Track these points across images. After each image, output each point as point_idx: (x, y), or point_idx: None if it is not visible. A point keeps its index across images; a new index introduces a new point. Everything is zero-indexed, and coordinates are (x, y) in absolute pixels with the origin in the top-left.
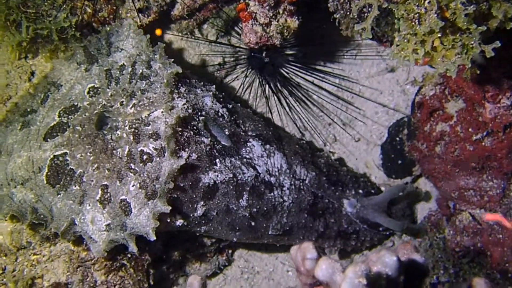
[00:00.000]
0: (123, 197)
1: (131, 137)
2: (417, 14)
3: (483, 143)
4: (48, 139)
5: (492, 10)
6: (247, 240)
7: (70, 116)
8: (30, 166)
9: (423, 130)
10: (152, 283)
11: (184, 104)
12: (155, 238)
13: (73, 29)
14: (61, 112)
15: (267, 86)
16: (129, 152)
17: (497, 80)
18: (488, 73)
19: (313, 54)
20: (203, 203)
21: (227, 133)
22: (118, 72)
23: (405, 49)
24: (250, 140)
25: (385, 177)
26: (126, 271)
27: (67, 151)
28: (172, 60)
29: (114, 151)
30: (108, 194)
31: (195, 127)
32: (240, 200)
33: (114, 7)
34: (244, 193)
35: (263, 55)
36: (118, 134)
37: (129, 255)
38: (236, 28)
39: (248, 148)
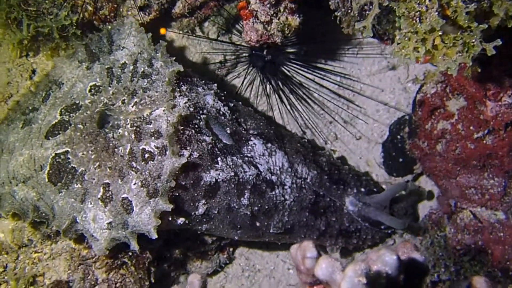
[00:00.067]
0: (124, 195)
1: (133, 136)
2: (418, 12)
3: (484, 141)
4: (50, 137)
5: (493, 8)
6: (249, 239)
7: (71, 114)
8: (31, 164)
9: (424, 128)
10: (153, 281)
11: (185, 103)
12: (156, 236)
13: (74, 27)
14: (62, 110)
15: (268, 84)
16: (131, 150)
17: (498, 78)
18: (490, 71)
19: (314, 52)
20: (204, 201)
21: (228, 131)
22: (119, 70)
23: (406, 47)
24: (252, 138)
25: (386, 175)
26: (127, 269)
27: (69, 149)
28: (174, 58)
29: (115, 150)
30: (110, 192)
31: (196, 126)
32: (242, 199)
33: (115, 5)
34: (246, 191)
35: (264, 53)
36: (119, 133)
37: (130, 253)
38: (237, 26)
39: (249, 147)
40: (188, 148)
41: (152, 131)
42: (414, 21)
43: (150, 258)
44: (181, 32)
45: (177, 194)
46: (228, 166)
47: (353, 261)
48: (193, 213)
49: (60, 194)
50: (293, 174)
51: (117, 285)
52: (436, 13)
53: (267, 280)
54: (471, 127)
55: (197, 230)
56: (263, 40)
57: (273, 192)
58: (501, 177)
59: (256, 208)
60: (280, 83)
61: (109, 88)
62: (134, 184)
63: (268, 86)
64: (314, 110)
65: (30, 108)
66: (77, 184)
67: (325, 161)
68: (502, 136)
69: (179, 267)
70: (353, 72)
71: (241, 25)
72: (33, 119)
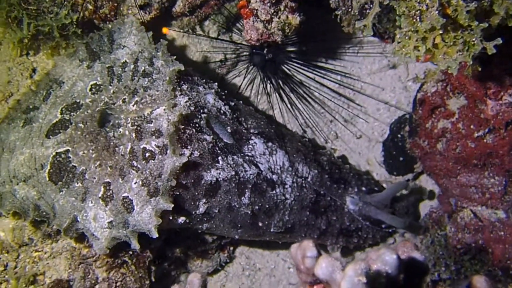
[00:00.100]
0: (125, 194)
1: (134, 135)
2: (419, 11)
3: (485, 140)
4: (51, 136)
5: (494, 7)
6: (249, 238)
7: (72, 113)
8: (32, 163)
9: (425, 127)
10: (153, 280)
11: (186, 102)
12: (157, 235)
13: (75, 26)
14: (63, 109)
15: (268, 83)
16: (132, 149)
17: (499, 77)
18: (490, 70)
19: (315, 51)
20: (205, 200)
21: (229, 130)
22: (120, 69)
23: (406, 46)
24: (252, 137)
25: (387, 174)
26: (127, 268)
27: (70, 148)
28: (175, 57)
29: (116, 149)
30: (111, 191)
31: (197, 125)
32: (242, 198)
33: (115, 4)
34: (246, 190)
35: (265, 51)
36: (120, 132)
37: (130, 252)
38: (237, 24)
39: (250, 146)
40: (189, 147)
41: (153, 130)
42: (414, 20)
43: (150, 257)
44: (181, 31)
45: (178, 193)
46: (228, 165)
47: (353, 260)
48: (193, 212)
49: (61, 193)
50: (293, 173)
51: (118, 284)
52: (437, 12)
53: (268, 279)
54: (472, 126)
55: (198, 229)
56: (263, 39)
57: (274, 191)
58: (501, 176)
59: (257, 207)
60: (280, 82)
61: (110, 87)
62: (135, 183)
63: (268, 85)
64: (315, 109)
65: (31, 107)
66: (77, 183)
67: (326, 160)
68: (502, 135)
69: (180, 266)
70: (353, 71)
71: (241, 24)
72: (34, 118)
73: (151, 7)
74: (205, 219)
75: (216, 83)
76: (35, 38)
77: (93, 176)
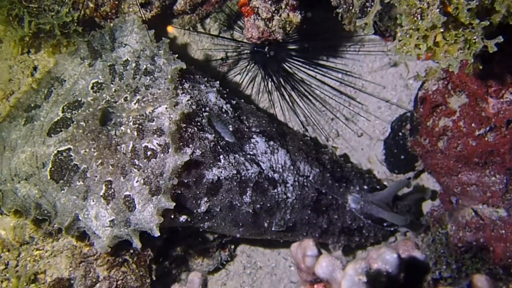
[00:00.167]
0: (127, 193)
1: (135, 133)
2: (419, 9)
3: (486, 138)
4: (52, 135)
5: (495, 5)
6: (250, 236)
7: (74, 112)
8: (34, 161)
9: (426, 125)
10: (154, 278)
11: (188, 100)
12: (159, 234)
13: (75, 24)
14: (64, 107)
15: (269, 81)
16: (133, 148)
17: (500, 75)
18: (491, 68)
19: (316, 49)
20: (206, 199)
21: (231, 129)
22: (122, 67)
23: (407, 44)
24: (254, 136)
25: (388, 172)
26: (128, 267)
27: (71, 147)
28: (177, 56)
29: (118, 147)
30: (112, 190)
31: (199, 123)
32: (244, 197)
33: (117, 2)
34: (248, 189)
35: (266, 49)
36: (122, 130)
37: (131, 251)
38: (239, 22)
39: (251, 145)
40: (191, 145)
41: (154, 128)
42: (415, 18)
43: (151, 255)
44: (186, 28)
45: (179, 191)
46: (230, 164)
47: (354, 259)
48: (195, 211)
49: (62, 191)
50: (295, 172)
51: (119, 282)
52: (438, 10)
53: (269, 277)
54: (473, 124)
55: (199, 228)
56: (264, 37)
57: (275, 190)
58: (502, 174)
59: (258, 206)
60: (281, 80)
61: (112, 85)
62: (137, 181)
63: (269, 83)
64: (316, 107)
65: (32, 105)
66: (79, 182)
67: (328, 159)
68: (503, 133)
69: (181, 264)
70: (354, 69)
71: (243, 22)
72: (35, 116)
73: (152, 5)
74: (207, 217)
75: (218, 82)
76: (36, 36)
77: (94, 175)
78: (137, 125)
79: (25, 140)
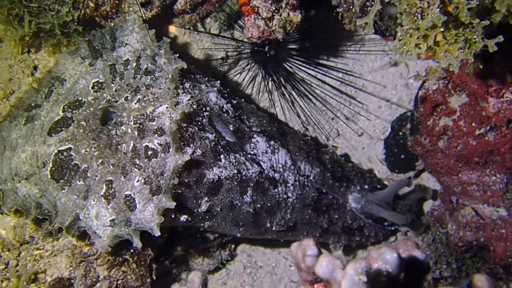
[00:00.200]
0: (127, 192)
1: (136, 133)
2: (420, 9)
3: (486, 138)
4: (53, 134)
5: (495, 4)
6: (251, 236)
7: (74, 111)
8: (34, 161)
9: (426, 125)
10: (154, 278)
11: (189, 100)
12: (159, 233)
13: (76, 24)
14: (65, 107)
15: (270, 80)
16: (134, 147)
17: (500, 74)
18: (491, 67)
19: (317, 48)
20: (207, 198)
21: (231, 129)
22: (122, 67)
23: (407, 43)
24: (255, 136)
25: (388, 172)
26: (128, 266)
27: (72, 146)
28: (177, 55)
29: (118, 147)
30: (113, 190)
31: (199, 123)
32: (244, 196)
33: (117, 1)
34: (248, 189)
35: (266, 49)
36: (122, 130)
37: (131, 250)
38: (239, 21)
39: (252, 144)
40: (191, 145)
41: (155, 128)
42: (415, 18)
43: (151, 255)
44: (188, 28)
45: (180, 191)
46: (231, 164)
47: (354, 259)
48: (195, 211)
49: (63, 191)
50: (296, 172)
51: (119, 282)
52: (438, 9)
53: (269, 277)
54: (473, 124)
55: (200, 227)
56: (264, 36)
57: (276, 190)
58: (503, 173)
59: (259, 205)
60: (282, 80)
61: (112, 85)
62: (137, 181)
63: (270, 83)
64: (316, 107)
65: (33, 104)
66: (80, 181)
67: (328, 158)
68: (504, 132)
69: (181, 264)
70: (355, 68)
71: (243, 21)
72: (36, 116)
73: (152, 5)
74: (207, 217)
75: (219, 81)
76: (37, 36)
77: (95, 174)
78: (137, 125)
79: (25, 139)
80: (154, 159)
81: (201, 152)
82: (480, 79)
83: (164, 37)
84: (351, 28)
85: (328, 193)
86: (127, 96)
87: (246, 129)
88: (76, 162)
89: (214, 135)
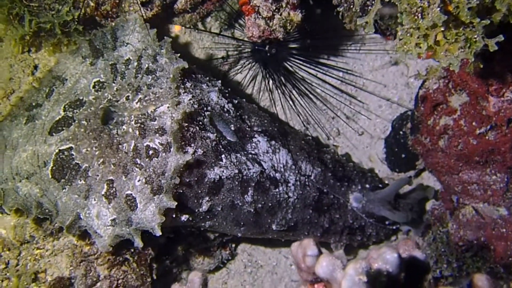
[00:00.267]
0: (128, 192)
1: (137, 132)
2: (420, 8)
3: (487, 137)
4: (54, 133)
5: (496, 4)
6: (252, 236)
7: (75, 111)
8: (35, 160)
9: (427, 124)
10: (155, 277)
11: (190, 100)
12: (160, 233)
13: (76, 23)
14: (66, 106)
15: (270, 79)
16: (135, 147)
17: (501, 73)
18: (492, 66)
19: (317, 48)
20: (208, 198)
21: (232, 128)
22: (123, 66)
23: (407, 43)
24: (256, 135)
25: (389, 171)
26: (129, 266)
27: (73, 146)
28: (179, 55)
29: (119, 146)
30: (114, 189)
31: (201, 123)
32: (245, 196)
33: (117, 1)
34: (249, 188)
35: (267, 48)
36: (124, 129)
37: (132, 250)
38: (240, 21)
39: (253, 144)
40: (193, 145)
41: (156, 127)
42: (416, 17)
43: (152, 254)
44: (185, 26)
45: (181, 191)
46: (232, 163)
47: (354, 259)
48: (196, 210)
49: (64, 190)
50: (297, 172)
51: (119, 281)
52: (438, 8)
53: (270, 276)
54: (474, 123)
55: (200, 227)
56: (265, 36)
57: (277, 190)
58: (503, 173)
59: (260, 205)
60: (282, 79)
61: (113, 84)
62: (138, 180)
63: (270, 82)
64: (317, 106)
65: (34, 104)
66: (80, 181)
67: (330, 158)
68: (504, 131)
69: (182, 263)
70: (355, 67)
71: (243, 21)
72: (37, 115)
73: (152, 4)
74: (208, 217)
75: (220, 81)
76: (37, 35)
77: (96, 174)
78: (139, 124)
79: (26, 139)
80: (155, 158)
81: (202, 151)
82: (481, 79)
83: (165, 37)
84: (352, 27)
85: (329, 193)
86: (128, 96)
87: (247, 128)
88: (77, 162)
89: (215, 134)
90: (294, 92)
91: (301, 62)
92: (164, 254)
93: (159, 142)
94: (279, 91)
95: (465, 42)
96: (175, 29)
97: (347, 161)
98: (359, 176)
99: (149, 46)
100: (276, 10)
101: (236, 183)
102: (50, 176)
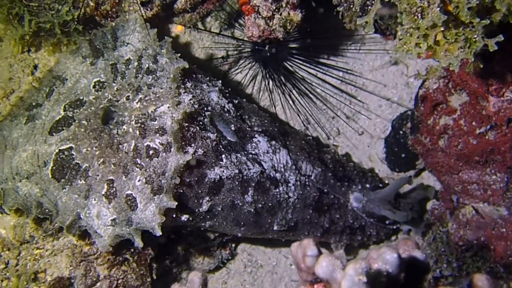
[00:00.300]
0: (129, 192)
1: (137, 132)
2: (420, 8)
3: (487, 137)
4: (54, 133)
5: (495, 4)
6: (252, 236)
7: (75, 110)
8: (35, 160)
9: (427, 124)
10: (155, 277)
11: (190, 100)
12: (160, 233)
13: (76, 23)
14: (66, 106)
15: (270, 79)
16: (135, 147)
17: (500, 73)
18: (492, 66)
19: (317, 47)
20: (208, 198)
21: (233, 128)
22: (124, 66)
23: (407, 43)
24: (256, 135)
25: (389, 171)
26: (129, 266)
27: (73, 145)
28: (179, 55)
29: (120, 146)
30: (114, 189)
31: (201, 123)
32: (246, 196)
33: (117, 0)
34: (250, 189)
35: (267, 48)
36: (124, 129)
37: (132, 250)
38: (240, 20)
39: (253, 144)
40: (193, 145)
41: (156, 127)
42: (416, 17)
43: (152, 254)
44: (185, 26)
45: (181, 191)
46: (232, 163)
47: (354, 259)
48: (197, 210)
49: (64, 190)
50: (297, 172)
51: (119, 281)
52: (438, 8)
53: (270, 276)
54: (474, 123)
55: (201, 227)
56: (265, 35)
57: (277, 190)
58: (503, 172)
59: (260, 205)
60: (282, 79)
61: (114, 84)
62: (139, 180)
63: (270, 82)
64: (317, 106)
65: (34, 104)
66: (81, 180)
67: (330, 158)
68: (504, 131)
69: (182, 263)
70: (355, 67)
71: (243, 20)
72: (37, 115)
73: (152, 4)
74: (208, 217)
75: (220, 81)
76: (37, 35)
77: (96, 174)
78: (139, 124)
79: (26, 138)
80: (156, 158)
81: (202, 151)
82: (481, 78)
83: (165, 37)
84: (352, 27)
85: (330, 193)
86: (128, 96)
87: (247, 129)
88: (77, 162)
89: (215, 134)
90: (294, 92)
91: (301, 62)
92: (164, 254)
93: (159, 142)
94: (279, 91)
95: (465, 42)
96: (177, 29)
97: (347, 161)
98: (359, 176)
99: (150, 46)
100: (276, 10)
101: (237, 183)
102: (50, 176)
